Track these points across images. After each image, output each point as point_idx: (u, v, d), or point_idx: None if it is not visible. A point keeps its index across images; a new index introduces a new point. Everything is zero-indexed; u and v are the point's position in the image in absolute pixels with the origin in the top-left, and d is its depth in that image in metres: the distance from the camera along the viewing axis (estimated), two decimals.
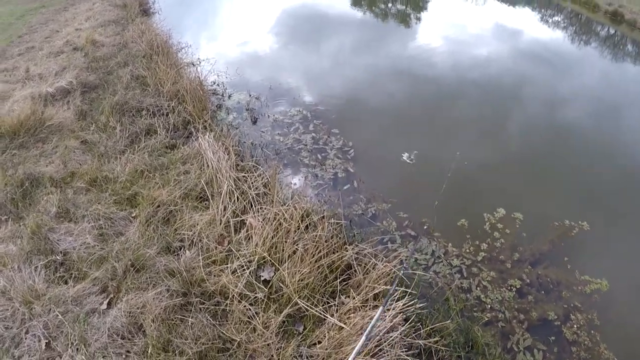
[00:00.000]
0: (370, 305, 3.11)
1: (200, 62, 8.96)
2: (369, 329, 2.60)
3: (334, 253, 3.53)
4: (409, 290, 3.26)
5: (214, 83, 7.73)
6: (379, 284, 3.21)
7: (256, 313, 3.12)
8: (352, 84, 8.26)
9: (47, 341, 2.96)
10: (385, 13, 15.62)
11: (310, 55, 10.32)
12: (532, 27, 14.49)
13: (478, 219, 4.79)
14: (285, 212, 3.81)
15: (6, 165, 4.85)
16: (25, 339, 3.02)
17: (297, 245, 3.51)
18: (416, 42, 11.41)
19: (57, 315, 3.10)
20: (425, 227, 4.66)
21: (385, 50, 10.61)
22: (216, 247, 3.55)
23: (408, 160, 5.78)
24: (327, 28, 12.56)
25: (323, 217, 3.93)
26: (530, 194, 5.33)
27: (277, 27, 13.00)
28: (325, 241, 3.56)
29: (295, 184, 5.17)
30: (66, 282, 3.36)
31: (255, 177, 4.49)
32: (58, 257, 3.48)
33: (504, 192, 5.31)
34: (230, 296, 3.21)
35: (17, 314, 3.19)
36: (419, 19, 14.70)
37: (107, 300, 3.19)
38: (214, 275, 3.33)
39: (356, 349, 2.49)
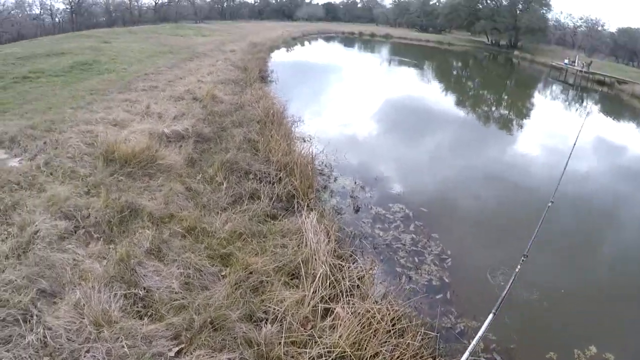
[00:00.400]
0: None
1: (310, 139, 10.12)
2: None
3: None
4: None
5: (322, 163, 8.65)
6: None
7: None
8: (454, 187, 9.05)
9: None
10: (487, 116, 18.09)
11: (417, 150, 11.65)
12: (637, 144, 15.60)
13: (568, 354, 4.74)
14: (378, 311, 4.08)
15: (111, 188, 5.85)
16: (84, 357, 3.50)
17: (383, 347, 3.73)
18: (515, 149, 13.02)
19: (124, 347, 3.54)
20: (512, 354, 4.65)
21: (484, 154, 11.80)
22: (299, 329, 3.89)
23: (492, 281, 5.90)
24: (431, 123, 14.98)
25: (414, 324, 4.16)
26: (628, 332, 5.27)
27: (384, 114, 15.21)
28: (414, 352, 3.78)
29: (389, 283, 5.47)
30: (141, 318, 3.84)
31: (352, 268, 4.87)
32: (140, 292, 4.04)
33: (597, 325, 5.30)
34: None
35: (84, 331, 3.69)
36: (520, 125, 16.83)
37: (177, 348, 3.59)
38: (291, 357, 3.63)
39: None
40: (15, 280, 4.01)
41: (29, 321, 3.65)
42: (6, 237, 4.64)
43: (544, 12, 60.71)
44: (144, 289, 4.13)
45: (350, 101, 17.50)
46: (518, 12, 60.08)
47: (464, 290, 5.65)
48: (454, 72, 37.53)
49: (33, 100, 9.76)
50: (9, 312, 3.68)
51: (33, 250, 4.39)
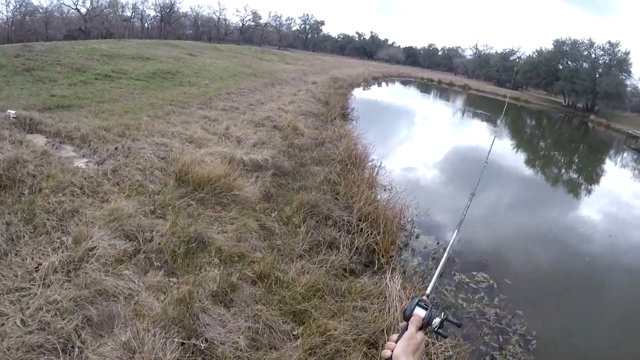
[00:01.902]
0: None
1: (391, 187, 9.64)
2: None
3: None
4: None
5: (404, 216, 8.15)
6: None
7: None
8: (540, 260, 8.73)
9: None
10: (557, 178, 18.73)
11: (500, 214, 11.36)
12: None
13: None
14: None
15: (180, 213, 5.56)
16: None
17: None
18: (609, 221, 13.09)
19: None
20: None
21: (570, 224, 11.71)
22: None
23: None
24: (510, 184, 15.16)
25: None
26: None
27: (463, 170, 15.11)
28: None
29: None
30: None
31: (437, 345, 4.39)
32: (201, 345, 3.60)
33: None
34: None
35: None
36: (589, 191, 17.23)
37: None
38: None
39: None
40: (61, 301, 3.69)
41: (70, 352, 3.30)
42: (58, 247, 4.41)
43: (624, 77, 60.81)
44: (206, 340, 3.69)
45: (429, 150, 17.67)
46: (597, 76, 60.22)
47: None
48: (534, 131, 37.50)
49: (111, 101, 9.98)
50: (48, 339, 3.34)
51: (85, 270, 4.11)
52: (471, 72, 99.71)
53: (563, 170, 21.01)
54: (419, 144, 18.72)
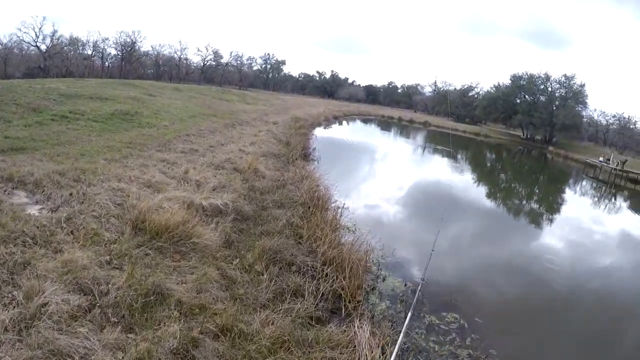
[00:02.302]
0: None
1: (355, 229, 9.61)
2: None
3: None
4: None
5: (370, 259, 8.10)
6: None
7: None
8: (511, 296, 8.81)
9: None
10: (518, 209, 19.17)
11: (465, 250, 11.40)
12: None
13: None
14: None
15: (137, 263, 5.36)
16: None
17: None
18: (583, 252, 13.61)
19: None
20: None
21: (538, 256, 11.72)
22: None
23: None
24: (472, 217, 15.37)
25: None
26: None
27: (427, 206, 15.62)
28: None
29: None
30: None
31: None
32: None
33: None
34: None
35: None
36: (550, 220, 17.75)
37: None
38: None
39: None
40: None
41: None
42: (9, 303, 4.16)
43: (580, 109, 64.10)
44: None
45: (391, 188, 17.85)
46: (555, 108, 63.09)
47: None
48: (495, 164, 38.70)
49: (67, 143, 9.69)
50: None
51: (38, 328, 3.87)
52: (431, 109, 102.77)
53: (524, 201, 21.71)
54: (382, 181, 18.96)
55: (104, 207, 6.53)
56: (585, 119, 67.65)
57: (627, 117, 71.16)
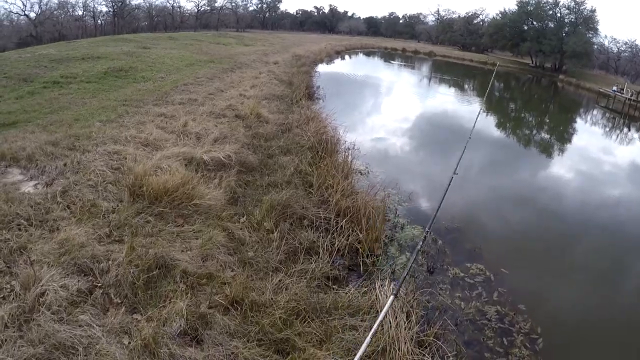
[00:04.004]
0: None
1: (368, 172, 9.10)
2: None
3: None
4: None
5: (385, 206, 7.62)
6: None
7: None
8: (538, 240, 8.13)
9: None
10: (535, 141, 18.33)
11: (487, 191, 10.54)
12: None
13: None
14: None
15: (137, 232, 4.96)
16: None
17: None
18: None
19: None
20: None
21: (569, 197, 11.02)
22: None
23: None
24: (490, 154, 14.33)
25: None
26: None
27: (444, 142, 14.53)
28: None
29: None
30: None
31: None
32: None
33: None
34: None
35: None
36: (561, 150, 16.95)
37: None
38: None
39: None
40: None
41: None
42: (8, 294, 3.81)
43: (590, 36, 60.26)
44: None
45: (400, 123, 16.91)
46: (564, 35, 59.52)
47: None
48: (504, 94, 37.05)
49: (60, 110, 9.15)
50: None
51: (37, 321, 3.53)
52: (435, 38, 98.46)
53: (536, 132, 20.69)
54: (390, 117, 17.97)
55: (100, 174, 6.08)
56: (596, 46, 63.48)
57: (639, 44, 66.45)
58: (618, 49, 69.69)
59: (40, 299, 3.75)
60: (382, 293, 4.52)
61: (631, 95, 32.05)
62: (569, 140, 19.66)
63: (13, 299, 3.73)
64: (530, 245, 7.86)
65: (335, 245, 5.54)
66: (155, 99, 11.06)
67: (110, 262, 4.37)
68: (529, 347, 5.14)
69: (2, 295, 3.77)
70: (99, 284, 4.12)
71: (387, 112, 18.83)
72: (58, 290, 3.84)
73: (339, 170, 7.55)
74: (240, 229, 5.46)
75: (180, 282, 4.32)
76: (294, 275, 4.73)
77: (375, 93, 23.96)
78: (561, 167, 14.09)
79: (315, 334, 3.94)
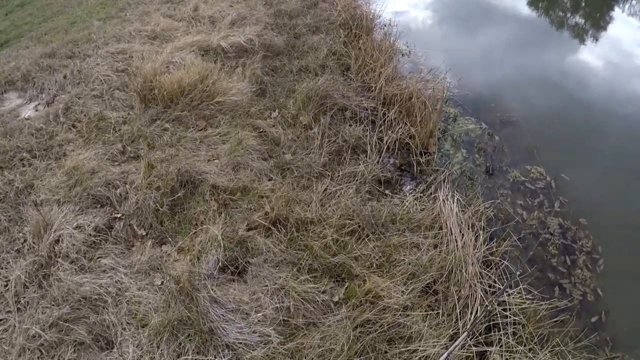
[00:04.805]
0: None
1: (410, 52, 7.80)
2: None
3: None
4: None
5: (441, 95, 6.56)
6: None
7: None
8: (600, 142, 6.81)
9: None
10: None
11: (546, 79, 8.57)
12: None
13: None
14: None
15: (154, 145, 4.26)
16: None
17: None
18: None
19: None
20: None
21: None
22: None
23: None
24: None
25: None
26: None
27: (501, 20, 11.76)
28: None
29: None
30: None
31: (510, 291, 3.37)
32: (219, 356, 2.58)
33: None
34: None
35: None
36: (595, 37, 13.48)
37: None
38: None
39: None
40: (40, 332, 2.73)
41: None
42: (22, 246, 3.31)
43: None
44: (228, 347, 2.66)
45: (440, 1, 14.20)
46: None
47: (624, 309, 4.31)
48: None
49: (54, 16, 8.11)
50: None
51: (57, 275, 3.04)
52: None
53: None
54: None
55: (104, 80, 5.28)
56: None
57: None
58: None
59: (56, 247, 3.22)
60: (444, 202, 3.82)
61: None
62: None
63: (27, 251, 3.25)
64: (589, 147, 6.65)
65: (385, 142, 4.74)
66: None
67: (127, 185, 3.76)
68: (591, 268, 4.60)
69: (16, 249, 3.31)
70: (119, 215, 3.52)
71: None
72: (74, 233, 3.30)
73: (379, 50, 6.41)
74: (273, 125, 4.65)
75: (211, 199, 3.66)
76: (342, 180, 4.00)
77: None
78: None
79: (373, 257, 3.30)
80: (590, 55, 11.80)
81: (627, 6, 25.17)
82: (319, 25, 7.40)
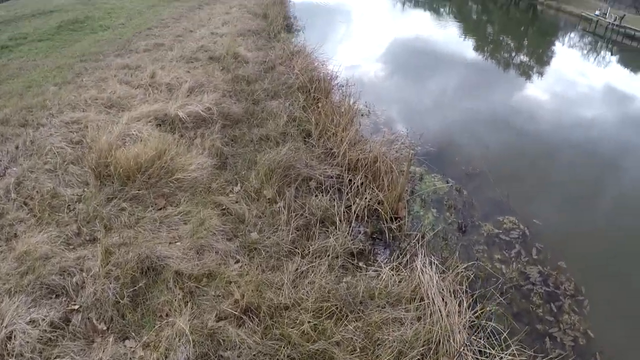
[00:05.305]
0: None
1: (369, 112, 7.98)
2: None
3: None
4: None
5: (407, 156, 6.58)
6: None
7: None
8: (565, 185, 7.09)
9: None
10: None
11: (502, 128, 9.07)
12: None
13: None
14: None
15: (111, 225, 4.04)
16: None
17: None
18: None
19: None
20: None
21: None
22: None
23: None
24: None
25: None
26: None
27: (443, 76, 12.49)
28: None
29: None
30: None
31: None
32: None
33: None
34: None
35: None
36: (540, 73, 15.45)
37: None
38: None
39: None
40: None
41: None
42: None
43: None
44: None
45: (392, 54, 14.62)
46: None
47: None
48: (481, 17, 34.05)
49: (9, 79, 7.84)
50: None
51: None
52: None
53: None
54: (377, 47, 15.45)
55: (58, 153, 5.06)
56: None
57: None
58: None
59: (8, 344, 2.89)
60: (422, 271, 3.74)
61: (614, 20, 30.38)
62: (547, 62, 18.16)
63: None
64: (558, 187, 7.00)
65: (353, 210, 4.66)
66: (116, 49, 9.71)
67: (84, 273, 3.48)
68: (577, 311, 4.63)
69: None
70: (76, 307, 3.25)
71: (371, 41, 16.26)
72: (27, 329, 2.98)
73: (340, 113, 6.51)
74: (236, 201, 4.51)
75: (176, 287, 3.44)
76: (313, 257, 3.87)
77: (348, 19, 21.24)
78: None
79: (354, 340, 3.13)
80: (537, 89, 12.80)
81: (566, 39, 27.23)
82: (277, 89, 7.49)
